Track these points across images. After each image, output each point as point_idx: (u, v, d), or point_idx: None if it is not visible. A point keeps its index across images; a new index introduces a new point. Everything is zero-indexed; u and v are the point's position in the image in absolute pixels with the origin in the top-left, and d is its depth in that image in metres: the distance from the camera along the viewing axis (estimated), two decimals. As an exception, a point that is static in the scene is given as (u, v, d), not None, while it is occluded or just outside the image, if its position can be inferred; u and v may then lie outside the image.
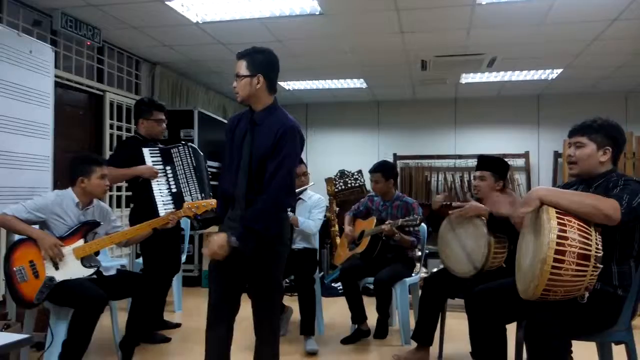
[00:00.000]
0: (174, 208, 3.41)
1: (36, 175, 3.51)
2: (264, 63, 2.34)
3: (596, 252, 1.97)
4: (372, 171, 3.94)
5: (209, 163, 4.27)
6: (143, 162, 3.53)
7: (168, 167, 3.58)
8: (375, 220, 3.83)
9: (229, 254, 2.26)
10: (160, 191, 3.52)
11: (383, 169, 3.91)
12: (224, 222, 2.45)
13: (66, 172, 3.14)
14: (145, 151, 3.56)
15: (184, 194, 3.55)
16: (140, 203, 3.63)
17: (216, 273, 2.41)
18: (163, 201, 3.48)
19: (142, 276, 3.11)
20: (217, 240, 2.24)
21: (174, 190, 3.55)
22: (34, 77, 3.51)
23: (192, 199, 3.50)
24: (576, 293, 2.03)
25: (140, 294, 3.01)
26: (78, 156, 3.16)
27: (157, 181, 3.52)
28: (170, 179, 3.57)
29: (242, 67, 2.33)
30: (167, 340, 3.71)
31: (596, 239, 1.99)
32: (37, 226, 2.90)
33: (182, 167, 3.62)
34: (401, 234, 3.67)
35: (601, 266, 1.98)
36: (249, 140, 2.35)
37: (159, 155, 3.61)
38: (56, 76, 4.01)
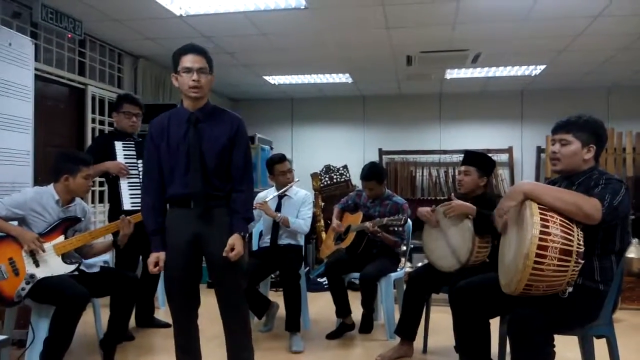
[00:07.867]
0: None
1: (16, 170, 3.45)
2: (212, 62, 2.43)
3: (578, 247, 2.00)
4: (368, 179, 3.74)
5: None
6: (114, 157, 3.55)
7: (140, 161, 3.59)
8: (362, 216, 3.83)
9: (191, 252, 2.39)
10: (130, 185, 3.54)
11: (377, 176, 3.75)
12: (170, 223, 2.43)
13: (49, 167, 3.09)
14: (118, 144, 3.60)
15: None
16: (111, 200, 3.67)
17: (177, 274, 2.42)
18: (130, 195, 3.52)
19: (122, 273, 3.07)
20: (237, 242, 2.33)
21: None
22: (13, 70, 3.44)
23: None
24: (558, 288, 2.05)
25: (120, 291, 2.97)
26: (65, 153, 3.10)
27: (129, 175, 3.54)
28: (141, 173, 3.56)
29: (204, 63, 2.36)
30: (131, 338, 3.59)
31: (578, 235, 2.01)
32: (15, 223, 2.85)
33: None
34: (384, 233, 3.65)
35: (582, 261, 2.01)
36: (195, 139, 2.35)
37: (133, 148, 3.64)
38: (36, 69, 3.93)
